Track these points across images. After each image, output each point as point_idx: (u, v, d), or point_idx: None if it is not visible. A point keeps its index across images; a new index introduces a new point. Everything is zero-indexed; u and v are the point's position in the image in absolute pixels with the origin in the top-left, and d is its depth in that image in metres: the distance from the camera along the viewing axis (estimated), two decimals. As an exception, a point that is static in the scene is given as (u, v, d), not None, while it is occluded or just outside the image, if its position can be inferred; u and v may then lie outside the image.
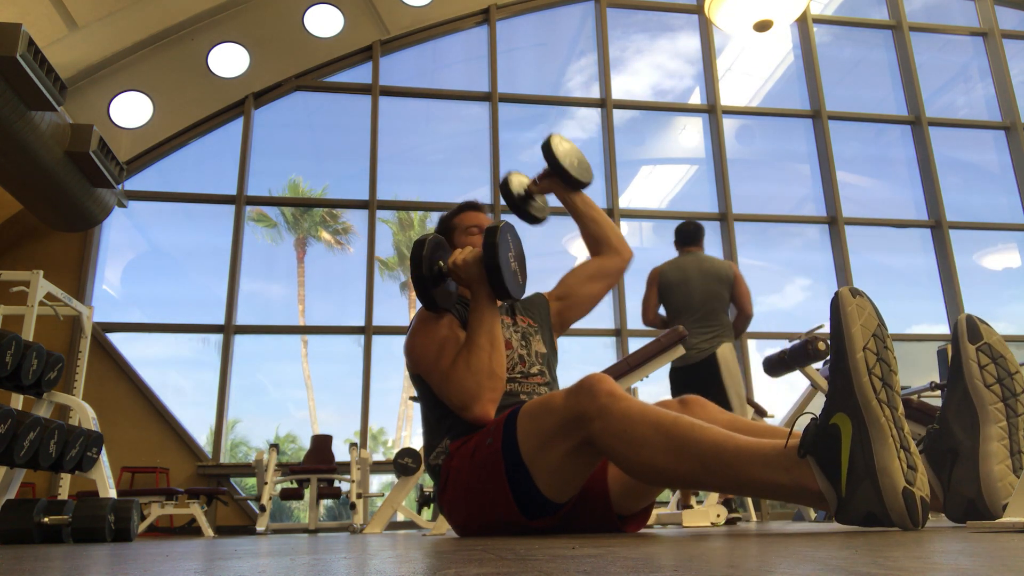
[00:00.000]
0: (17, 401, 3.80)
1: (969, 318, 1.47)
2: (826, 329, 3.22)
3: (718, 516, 3.43)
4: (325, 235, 10.09)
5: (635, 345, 5.57)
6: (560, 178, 2.06)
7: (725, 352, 3.82)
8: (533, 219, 2.14)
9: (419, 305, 1.83)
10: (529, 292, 2.03)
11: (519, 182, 2.15)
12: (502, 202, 7.41)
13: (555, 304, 2.05)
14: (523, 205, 2.12)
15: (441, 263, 1.77)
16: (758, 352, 7.38)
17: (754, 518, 5.00)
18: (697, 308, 3.90)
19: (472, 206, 2.03)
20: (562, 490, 1.52)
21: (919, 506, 1.14)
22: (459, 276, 1.75)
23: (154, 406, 6.48)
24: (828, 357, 4.03)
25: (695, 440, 1.28)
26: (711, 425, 1.31)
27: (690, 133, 8.61)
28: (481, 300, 1.72)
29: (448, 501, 1.71)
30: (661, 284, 4.02)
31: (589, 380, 1.40)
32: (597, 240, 2.09)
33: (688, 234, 4.12)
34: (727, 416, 1.56)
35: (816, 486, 1.20)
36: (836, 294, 1.25)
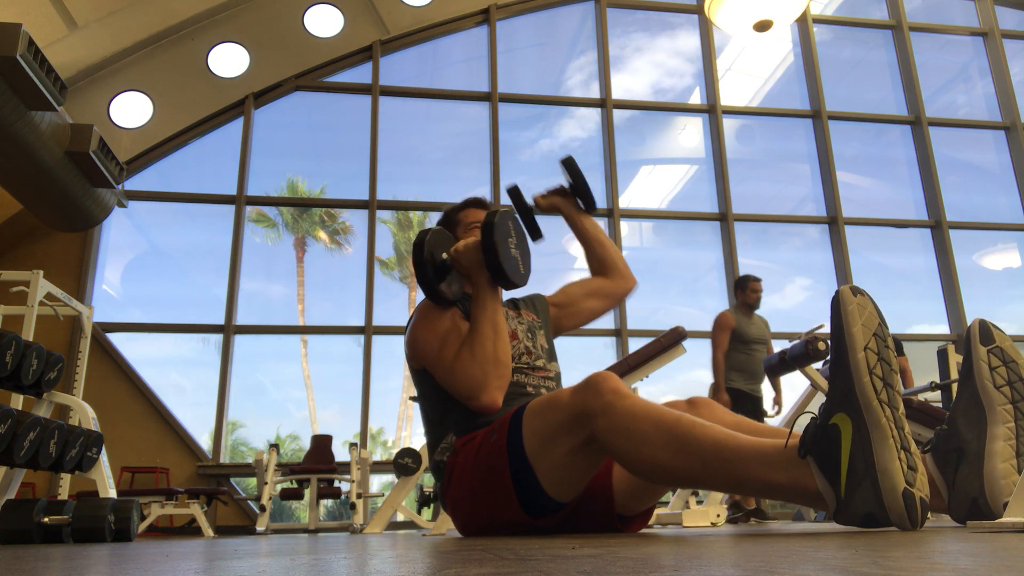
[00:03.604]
0: (17, 401, 3.79)
1: (982, 322, 1.47)
2: (826, 329, 3.24)
3: (718, 516, 3.44)
4: (323, 235, 10.08)
5: (635, 345, 5.57)
6: (580, 196, 2.05)
7: None
8: (536, 233, 2.04)
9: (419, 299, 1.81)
10: (528, 291, 2.02)
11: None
12: (502, 202, 7.44)
13: (553, 310, 2.05)
14: (533, 217, 2.03)
15: (444, 254, 1.74)
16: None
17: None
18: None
19: (477, 203, 1.99)
20: (565, 489, 1.52)
21: (918, 507, 1.13)
22: (460, 264, 1.71)
23: (154, 406, 6.48)
24: (828, 357, 4.05)
25: (696, 438, 1.29)
26: (713, 424, 1.31)
27: (690, 133, 8.61)
28: (483, 287, 1.68)
29: (451, 498, 1.70)
30: None
31: (595, 377, 1.41)
32: (605, 264, 2.08)
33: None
34: (733, 417, 1.56)
35: (815, 486, 1.19)
36: (837, 293, 1.24)
